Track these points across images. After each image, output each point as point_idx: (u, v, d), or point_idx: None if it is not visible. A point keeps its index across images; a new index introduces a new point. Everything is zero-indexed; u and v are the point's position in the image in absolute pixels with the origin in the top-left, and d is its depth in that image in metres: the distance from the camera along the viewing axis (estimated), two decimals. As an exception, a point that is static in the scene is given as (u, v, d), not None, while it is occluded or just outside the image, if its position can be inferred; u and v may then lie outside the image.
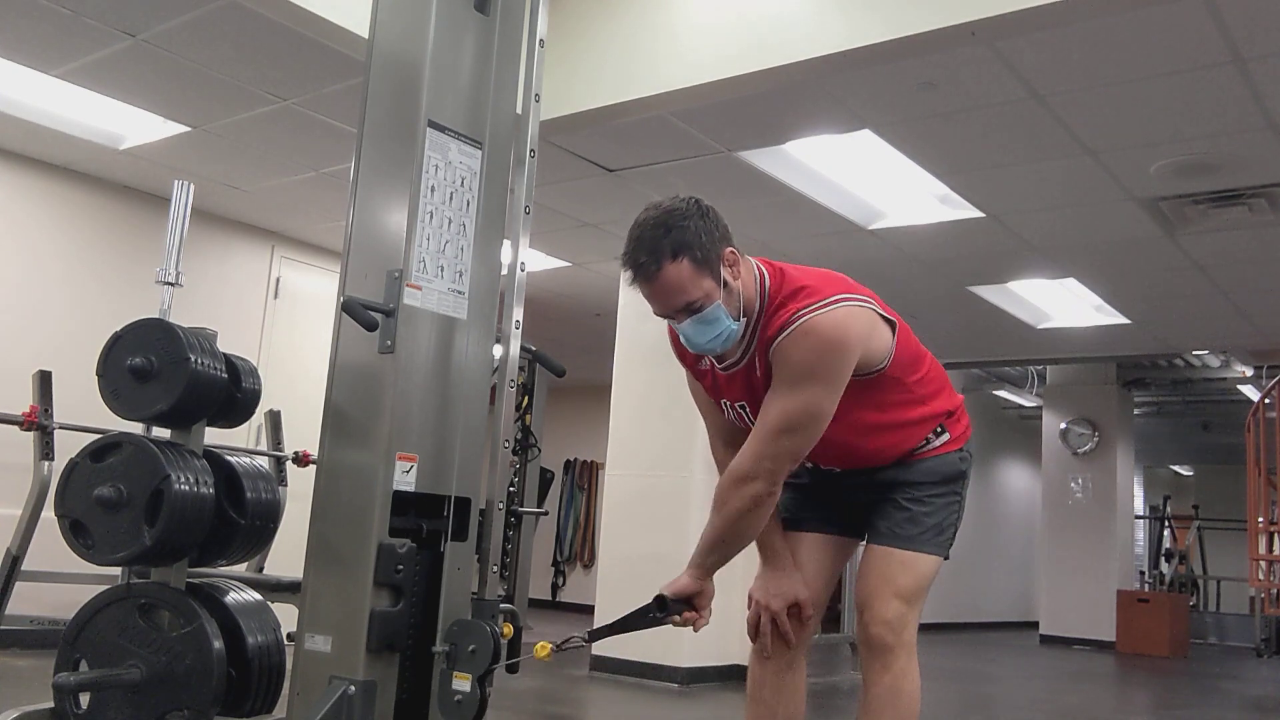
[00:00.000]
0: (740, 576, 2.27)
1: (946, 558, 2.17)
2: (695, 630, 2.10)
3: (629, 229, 1.98)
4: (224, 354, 2.27)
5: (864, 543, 2.22)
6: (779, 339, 1.96)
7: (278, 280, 6.29)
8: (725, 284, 1.96)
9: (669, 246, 1.91)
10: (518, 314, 2.29)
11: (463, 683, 2.01)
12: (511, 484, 6.18)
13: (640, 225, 1.96)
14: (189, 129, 4.75)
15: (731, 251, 1.98)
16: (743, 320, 2.00)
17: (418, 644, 2.07)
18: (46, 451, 4.51)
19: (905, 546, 2.11)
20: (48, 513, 2.84)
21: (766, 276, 2.03)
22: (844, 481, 2.23)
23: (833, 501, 2.25)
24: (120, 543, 2.10)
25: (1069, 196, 4.83)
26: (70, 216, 5.46)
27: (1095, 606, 9.80)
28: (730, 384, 2.10)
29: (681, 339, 2.04)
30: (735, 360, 2.07)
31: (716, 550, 2.06)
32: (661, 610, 2.05)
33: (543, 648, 2.06)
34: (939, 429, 2.18)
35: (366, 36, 2.34)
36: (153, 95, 4.44)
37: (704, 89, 3.87)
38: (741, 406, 2.11)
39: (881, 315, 2.05)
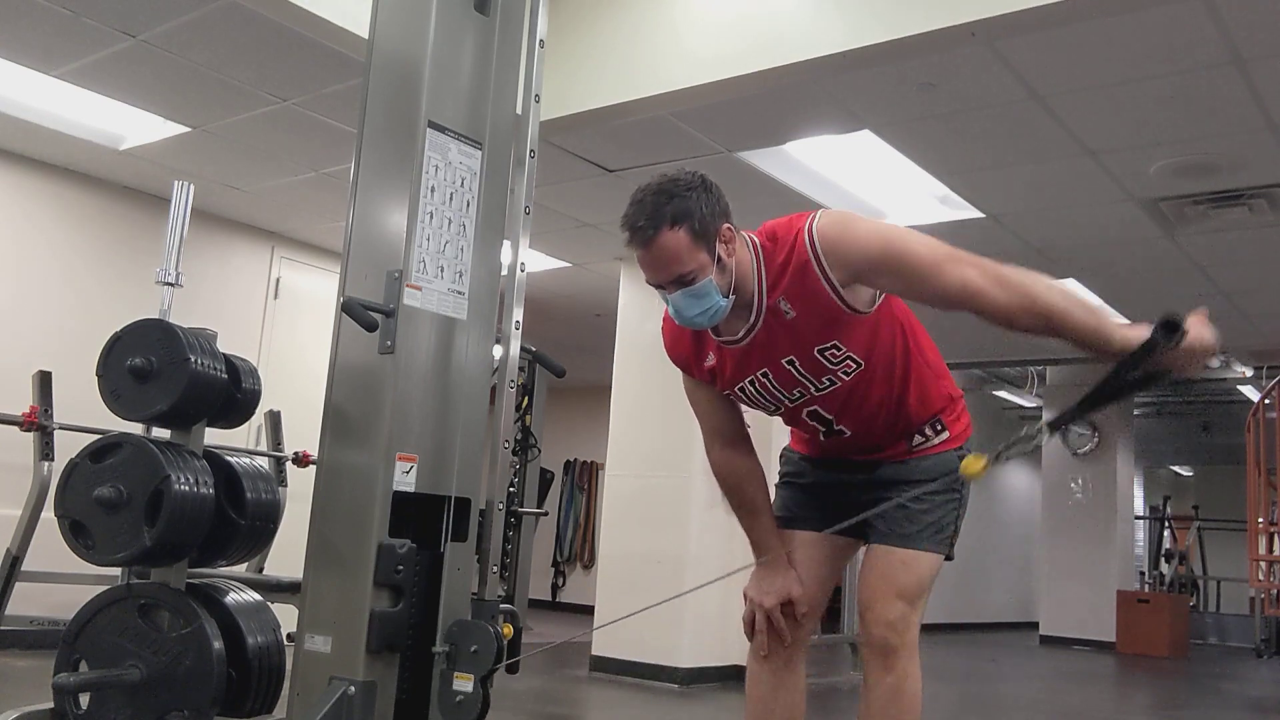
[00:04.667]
0: (741, 577, 2.27)
1: (950, 557, 2.16)
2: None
3: (632, 194, 1.99)
4: (224, 354, 2.27)
5: (865, 545, 2.22)
6: (822, 257, 1.95)
7: (278, 280, 6.29)
8: (719, 260, 1.97)
9: (669, 214, 1.93)
10: (518, 314, 2.29)
11: (465, 683, 2.02)
12: (511, 484, 6.18)
13: (643, 190, 1.98)
14: (189, 129, 4.75)
15: (729, 229, 1.99)
16: (732, 297, 2.00)
17: (418, 644, 2.08)
18: (46, 452, 4.52)
19: (904, 545, 2.10)
20: (48, 513, 2.84)
21: (759, 244, 2.04)
22: (843, 479, 2.23)
23: (831, 501, 2.25)
24: (120, 543, 2.10)
25: (1069, 197, 4.83)
26: (70, 217, 5.46)
27: (1095, 607, 9.79)
28: (748, 356, 2.09)
29: (670, 310, 2.04)
30: (750, 326, 2.06)
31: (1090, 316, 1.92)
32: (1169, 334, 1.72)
33: (976, 460, 1.85)
34: (938, 425, 2.18)
35: (366, 36, 2.34)
36: (153, 95, 4.44)
37: (704, 89, 3.87)
38: (764, 375, 2.09)
39: None
